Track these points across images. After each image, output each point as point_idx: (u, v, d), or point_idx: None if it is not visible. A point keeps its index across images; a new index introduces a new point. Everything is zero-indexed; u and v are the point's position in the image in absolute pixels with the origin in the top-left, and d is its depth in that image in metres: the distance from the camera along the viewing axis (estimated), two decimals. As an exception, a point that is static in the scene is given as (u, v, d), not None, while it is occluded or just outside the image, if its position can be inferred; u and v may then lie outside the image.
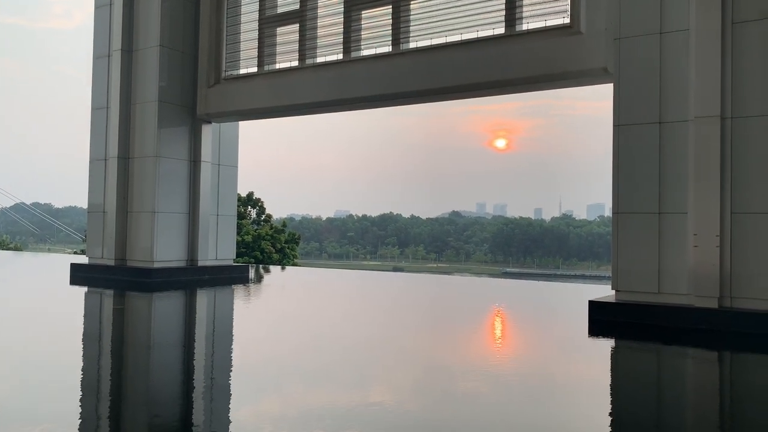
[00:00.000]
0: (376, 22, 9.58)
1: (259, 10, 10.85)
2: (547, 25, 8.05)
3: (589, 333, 6.45)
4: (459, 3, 8.77)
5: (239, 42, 11.10)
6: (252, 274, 13.34)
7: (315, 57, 10.19)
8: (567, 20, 7.87)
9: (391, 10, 9.40)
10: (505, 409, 3.70)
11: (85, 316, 7.59)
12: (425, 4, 9.11)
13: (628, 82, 6.96)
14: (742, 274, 6.33)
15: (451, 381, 4.37)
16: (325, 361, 4.92)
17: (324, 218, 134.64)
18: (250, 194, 45.97)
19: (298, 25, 10.40)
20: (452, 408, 3.65)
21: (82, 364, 4.66)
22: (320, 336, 6.15)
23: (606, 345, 6.14)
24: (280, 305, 9.31)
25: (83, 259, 12.26)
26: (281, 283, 13.08)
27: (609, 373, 4.92)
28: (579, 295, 8.88)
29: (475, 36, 8.59)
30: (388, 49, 9.39)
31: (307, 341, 5.83)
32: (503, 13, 8.36)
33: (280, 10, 10.73)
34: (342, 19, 9.88)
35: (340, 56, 9.87)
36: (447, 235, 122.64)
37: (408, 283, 13.84)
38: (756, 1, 6.36)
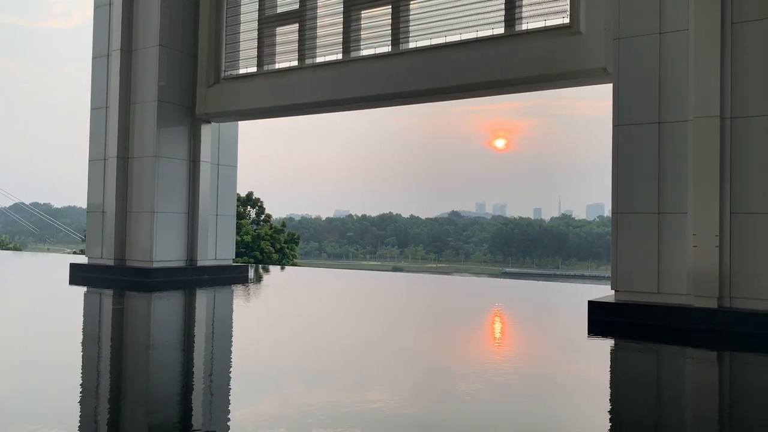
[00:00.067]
0: (376, 22, 9.58)
1: (259, 10, 10.85)
2: (546, 25, 8.05)
3: (589, 333, 6.45)
4: (458, 3, 8.76)
5: (239, 42, 11.10)
6: (251, 274, 13.34)
7: (314, 57, 10.19)
8: (566, 20, 7.87)
9: (390, 10, 9.40)
10: (505, 410, 3.70)
11: (85, 316, 7.59)
12: (425, 4, 9.11)
13: (628, 82, 6.96)
14: (742, 274, 6.33)
15: (450, 381, 4.37)
16: (325, 361, 4.92)
17: (323, 218, 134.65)
18: (250, 194, 45.94)
19: (297, 25, 10.40)
20: (452, 408, 3.65)
21: (81, 364, 4.66)
22: (320, 336, 6.15)
23: (605, 345, 6.14)
24: (280, 305, 9.31)
25: (82, 259, 12.26)
26: (281, 283, 13.08)
27: (608, 373, 4.92)
28: (578, 295, 8.88)
29: (475, 36, 8.59)
30: (387, 49, 9.39)
31: (307, 341, 5.83)
32: (503, 13, 8.36)
33: (279, 10, 10.73)
34: (341, 19, 9.88)
35: (340, 56, 9.87)
36: (446, 235, 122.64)
37: (407, 283, 13.84)
38: (755, 0, 6.36)
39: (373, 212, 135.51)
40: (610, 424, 3.44)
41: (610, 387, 4.41)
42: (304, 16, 10.33)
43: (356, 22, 9.79)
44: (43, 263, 17.53)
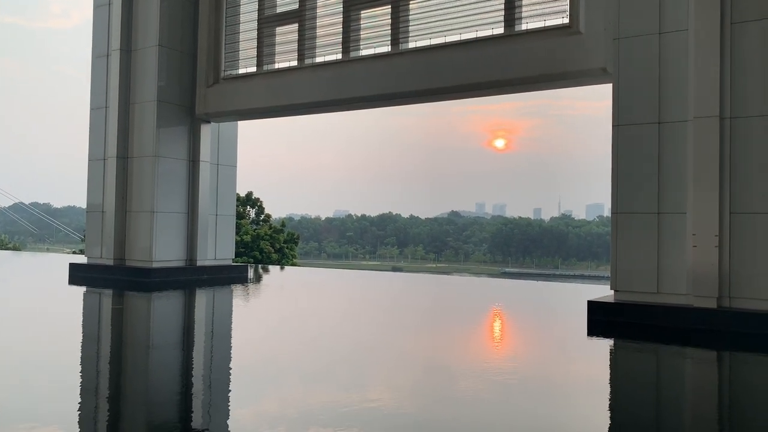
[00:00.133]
0: (375, 21, 9.58)
1: (258, 10, 10.85)
2: (546, 25, 8.05)
3: (588, 333, 6.45)
4: (458, 3, 8.76)
5: (238, 42, 11.10)
6: (251, 274, 13.34)
7: (314, 57, 10.19)
8: (566, 20, 7.87)
9: (390, 9, 9.40)
10: (504, 410, 3.70)
11: (84, 315, 7.59)
12: (424, 4, 9.11)
13: (627, 82, 6.96)
14: (741, 274, 6.33)
15: (450, 381, 4.37)
16: (324, 361, 4.92)
17: (323, 218, 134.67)
18: (249, 194, 45.93)
19: (297, 24, 10.39)
20: (451, 408, 3.65)
21: (81, 364, 4.66)
22: (319, 336, 6.15)
23: (605, 345, 6.14)
24: (279, 305, 9.31)
25: (82, 259, 12.25)
26: (280, 283, 13.07)
27: (608, 374, 4.92)
28: (578, 295, 8.88)
29: (474, 36, 8.59)
30: (387, 49, 9.39)
31: (306, 341, 5.83)
32: (502, 13, 8.36)
33: (279, 10, 10.73)
34: (341, 18, 9.87)
35: (339, 56, 9.87)
36: (446, 235, 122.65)
37: (407, 283, 13.84)
38: (755, 1, 6.36)
39: (373, 212, 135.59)
40: (610, 424, 3.44)
41: (610, 387, 4.41)
42: (303, 16, 10.33)
43: (356, 22, 9.79)
44: (42, 263, 17.53)
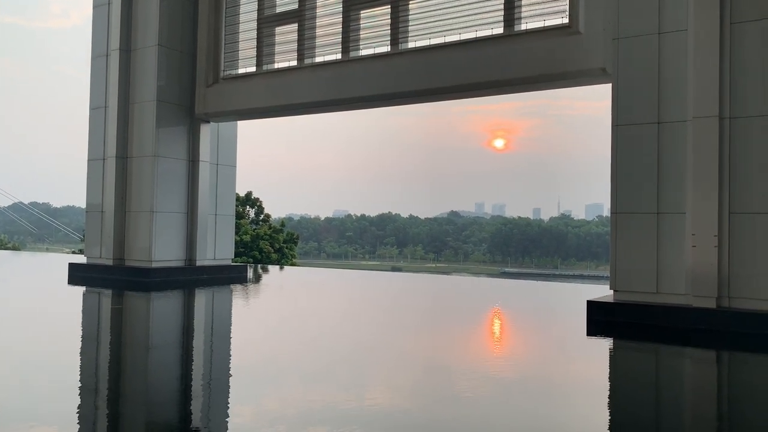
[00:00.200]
0: (375, 21, 9.58)
1: (258, 10, 10.85)
2: (545, 25, 8.06)
3: (588, 333, 6.45)
4: (458, 3, 8.77)
5: (238, 41, 11.09)
6: (250, 273, 13.34)
7: (313, 57, 10.19)
8: (566, 20, 7.87)
9: (389, 9, 9.40)
10: (504, 410, 3.70)
11: (84, 315, 7.58)
12: (424, 3, 9.11)
13: (627, 82, 6.97)
14: (741, 274, 6.33)
15: (450, 381, 4.37)
16: (324, 360, 4.92)
17: (322, 218, 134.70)
18: (249, 194, 45.94)
19: (296, 24, 10.39)
20: (451, 408, 3.65)
21: (80, 364, 4.66)
22: (319, 336, 6.15)
23: (604, 345, 6.14)
24: (279, 305, 9.31)
25: (81, 259, 12.25)
26: (279, 283, 13.07)
27: (607, 374, 4.92)
28: (577, 295, 8.88)
29: (474, 36, 8.60)
30: (386, 48, 9.39)
31: (306, 341, 5.83)
32: (502, 13, 8.36)
33: (278, 10, 10.73)
34: (341, 18, 9.88)
35: (339, 56, 9.87)
36: (445, 235, 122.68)
37: (407, 283, 13.84)
38: (754, 1, 6.36)
39: (372, 212, 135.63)
40: (609, 424, 3.44)
41: (609, 387, 4.41)
42: (303, 16, 10.33)
43: (355, 22, 9.79)
44: (41, 263, 17.52)
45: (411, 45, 9.21)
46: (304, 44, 10.28)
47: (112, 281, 10.58)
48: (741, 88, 6.39)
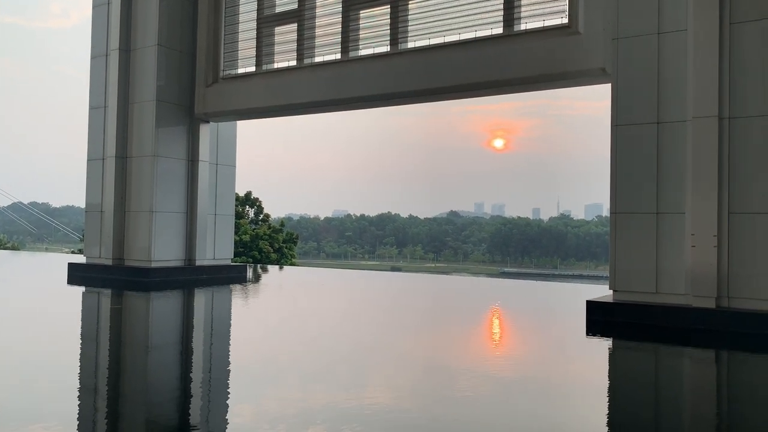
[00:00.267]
0: (374, 21, 9.58)
1: (257, 10, 10.85)
2: (545, 25, 8.06)
3: (587, 333, 6.45)
4: (457, 3, 8.77)
5: (237, 41, 11.09)
6: (250, 273, 13.34)
7: (313, 57, 10.19)
8: (565, 20, 7.87)
9: (389, 9, 9.40)
10: (504, 409, 3.70)
11: (83, 315, 7.58)
12: (423, 3, 9.11)
13: (626, 82, 6.97)
14: (740, 274, 6.34)
15: (449, 381, 4.37)
16: (324, 360, 4.92)
17: (322, 218, 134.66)
18: (248, 194, 45.92)
19: (296, 24, 10.39)
20: (451, 408, 3.65)
21: (80, 364, 4.65)
22: (318, 336, 6.15)
23: (604, 345, 6.14)
24: (278, 305, 9.30)
25: (81, 259, 12.25)
26: (279, 282, 13.07)
27: (606, 373, 4.92)
28: (577, 295, 8.88)
29: (474, 36, 8.60)
30: (386, 48, 9.39)
31: (306, 341, 5.83)
32: (501, 13, 8.36)
33: (278, 10, 10.73)
34: (340, 18, 9.87)
35: (338, 56, 9.87)
36: (445, 235, 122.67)
37: (406, 283, 13.84)
38: (753, 1, 6.37)
39: (372, 212, 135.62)
40: (608, 424, 3.44)
41: (609, 387, 4.41)
42: (302, 16, 10.33)
43: (355, 22, 9.79)
44: (41, 263, 17.51)
45: (410, 45, 9.21)
46: (304, 44, 10.28)
47: (111, 281, 10.57)
48: (740, 88, 6.39)
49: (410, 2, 9.24)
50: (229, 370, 4.56)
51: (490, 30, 8.47)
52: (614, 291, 6.99)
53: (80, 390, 3.86)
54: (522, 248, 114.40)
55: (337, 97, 9.83)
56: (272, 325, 6.99)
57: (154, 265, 10.53)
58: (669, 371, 5.19)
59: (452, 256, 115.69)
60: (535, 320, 8.03)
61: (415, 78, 8.99)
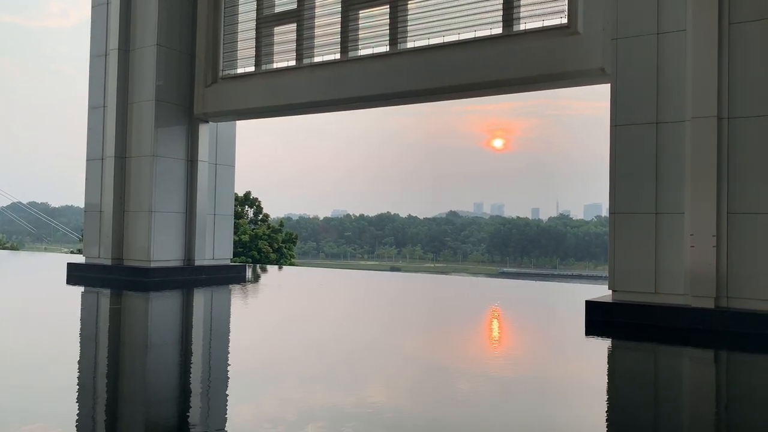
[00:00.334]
0: (374, 21, 9.58)
1: (257, 10, 10.84)
2: (544, 25, 8.06)
3: (586, 333, 6.45)
4: (456, 3, 8.76)
5: (236, 41, 11.09)
6: (249, 273, 13.33)
7: (312, 57, 10.19)
8: (564, 20, 7.87)
9: (388, 9, 9.40)
10: (503, 410, 3.70)
11: (82, 315, 7.58)
12: (423, 3, 9.11)
13: (626, 82, 6.97)
14: (739, 274, 6.34)
15: (448, 381, 4.37)
16: (323, 361, 4.92)
17: (321, 218, 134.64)
18: (248, 194, 45.93)
19: (295, 24, 10.39)
20: (450, 408, 3.65)
21: (79, 364, 4.65)
22: (318, 336, 6.15)
23: (603, 345, 6.14)
24: (277, 305, 9.30)
25: (80, 259, 12.24)
26: (278, 282, 13.06)
27: (606, 374, 4.92)
28: (576, 295, 8.89)
29: (473, 36, 8.60)
30: (385, 48, 9.39)
31: (305, 341, 5.82)
32: (501, 13, 8.36)
33: (277, 10, 10.72)
34: (339, 18, 9.87)
35: (338, 56, 9.87)
36: (444, 234, 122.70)
37: (405, 282, 13.84)
38: (753, 1, 6.37)
39: (371, 212, 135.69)
40: (607, 424, 3.44)
41: (608, 387, 4.41)
42: (301, 16, 10.33)
43: (354, 22, 9.79)
44: (40, 263, 17.50)
45: (410, 45, 9.21)
46: (303, 44, 10.27)
47: (110, 281, 10.57)
48: (740, 89, 6.39)
49: (409, 2, 9.24)
50: (228, 370, 4.56)
51: (489, 30, 8.47)
52: (613, 291, 6.99)
53: (79, 390, 3.85)
54: (521, 248, 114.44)
55: (336, 97, 9.83)
56: (272, 325, 6.98)
57: (153, 265, 10.53)
58: (668, 371, 5.19)
59: (451, 256, 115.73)
60: (534, 320, 8.03)
61: (415, 78, 8.99)
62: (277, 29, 10.67)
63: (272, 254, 42.38)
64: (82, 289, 10.39)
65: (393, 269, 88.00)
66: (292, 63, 10.39)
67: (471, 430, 3.20)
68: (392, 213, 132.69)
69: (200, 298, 9.15)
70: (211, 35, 11.19)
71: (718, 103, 6.42)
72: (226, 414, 3.44)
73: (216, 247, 11.69)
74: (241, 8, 11.07)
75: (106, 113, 11.12)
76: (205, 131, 11.37)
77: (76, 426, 3.13)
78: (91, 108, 11.46)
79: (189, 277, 10.88)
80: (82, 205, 11.74)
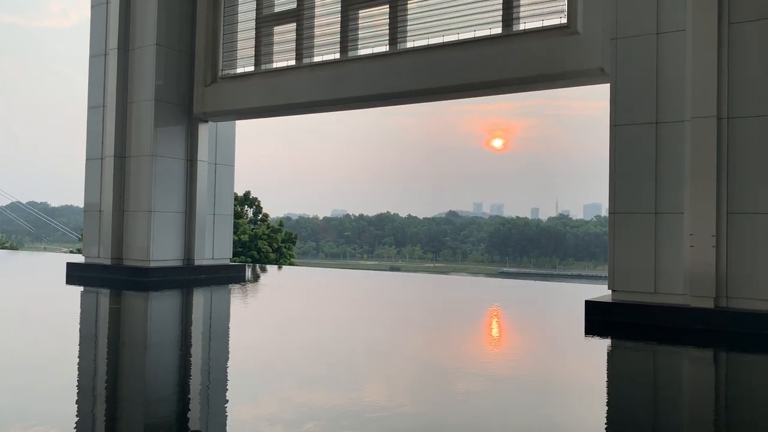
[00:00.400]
0: (373, 21, 9.58)
1: (256, 9, 10.84)
2: (544, 25, 8.06)
3: (586, 333, 6.45)
4: (456, 3, 8.76)
5: (236, 41, 11.09)
6: (248, 273, 13.33)
7: (312, 56, 10.19)
8: (564, 20, 7.87)
9: (388, 9, 9.39)
10: (503, 410, 3.70)
11: (82, 315, 7.58)
12: (422, 3, 9.11)
13: (625, 82, 6.97)
14: (738, 274, 6.34)
15: (447, 381, 4.37)
16: (323, 360, 4.92)
17: (321, 218, 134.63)
18: (247, 193, 45.91)
19: (295, 24, 10.39)
20: (450, 408, 3.65)
21: (78, 364, 4.65)
22: (318, 336, 6.14)
23: (602, 345, 6.15)
24: (277, 305, 9.30)
25: (79, 259, 12.23)
26: (277, 282, 13.06)
27: (605, 374, 4.92)
28: (575, 295, 8.89)
29: (472, 36, 8.60)
30: (385, 48, 9.39)
31: (305, 341, 5.82)
32: (500, 13, 8.36)
33: (277, 9, 10.72)
34: (339, 18, 9.87)
35: (337, 56, 9.86)
36: (444, 234, 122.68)
37: (405, 282, 13.84)
38: (753, 1, 6.37)
39: (371, 212, 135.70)
40: (607, 424, 3.44)
41: (607, 387, 4.41)
42: (301, 16, 10.32)
43: (354, 22, 9.78)
44: (39, 262, 17.50)
45: (409, 45, 9.21)
46: (303, 44, 10.27)
47: (110, 281, 10.57)
48: (739, 89, 6.39)
49: (409, 2, 9.24)
50: (227, 370, 4.56)
51: (488, 30, 8.46)
52: (613, 291, 6.99)
53: (78, 390, 3.85)
54: (521, 248, 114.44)
55: (335, 97, 9.82)
56: (271, 325, 6.98)
57: (152, 264, 10.53)
58: (667, 371, 5.19)
59: (451, 255, 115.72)
60: (534, 320, 8.03)
61: (414, 78, 8.99)
62: (276, 29, 10.67)
63: (272, 254, 42.37)
64: (81, 288, 10.38)
65: (392, 269, 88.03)
66: (292, 63, 10.38)
67: (471, 431, 3.20)
68: (392, 213, 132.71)
69: (200, 298, 9.15)
70: (210, 35, 11.19)
71: (718, 103, 6.42)
72: (225, 414, 3.44)
73: (215, 246, 11.69)
74: (240, 8, 11.07)
75: (106, 113, 11.11)
76: (204, 131, 11.36)
77: (76, 426, 3.13)
78: (91, 108, 11.45)
79: (188, 277, 10.88)
80: (81, 204, 11.74)
